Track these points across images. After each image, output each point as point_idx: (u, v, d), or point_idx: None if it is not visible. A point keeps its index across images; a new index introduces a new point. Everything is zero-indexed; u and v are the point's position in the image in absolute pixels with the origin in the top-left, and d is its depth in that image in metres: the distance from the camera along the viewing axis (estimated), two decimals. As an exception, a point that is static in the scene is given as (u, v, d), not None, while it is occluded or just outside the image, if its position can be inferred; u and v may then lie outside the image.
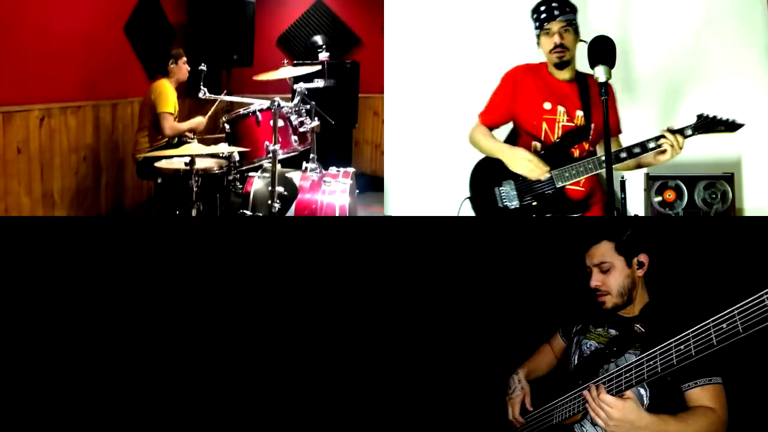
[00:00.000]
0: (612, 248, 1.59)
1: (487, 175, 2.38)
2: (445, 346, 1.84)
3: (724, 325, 1.11)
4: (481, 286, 1.88)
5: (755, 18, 2.97)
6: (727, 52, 3.01)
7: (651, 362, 1.28)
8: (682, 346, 1.20)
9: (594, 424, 1.46)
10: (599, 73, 1.98)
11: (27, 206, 3.50)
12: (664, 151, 2.13)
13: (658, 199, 2.99)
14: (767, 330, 1.05)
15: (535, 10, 2.30)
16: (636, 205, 3.26)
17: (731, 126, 2.18)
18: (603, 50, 2.02)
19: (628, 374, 1.34)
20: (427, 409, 1.80)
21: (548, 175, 2.25)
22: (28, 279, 1.73)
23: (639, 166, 2.36)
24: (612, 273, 1.58)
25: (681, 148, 2.13)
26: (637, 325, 1.54)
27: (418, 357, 1.80)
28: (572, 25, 2.26)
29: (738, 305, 1.10)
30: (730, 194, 2.95)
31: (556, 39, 2.22)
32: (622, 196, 2.06)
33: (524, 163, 2.24)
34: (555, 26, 2.23)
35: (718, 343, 1.12)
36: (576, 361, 1.63)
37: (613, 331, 1.60)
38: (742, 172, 3.02)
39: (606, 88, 1.98)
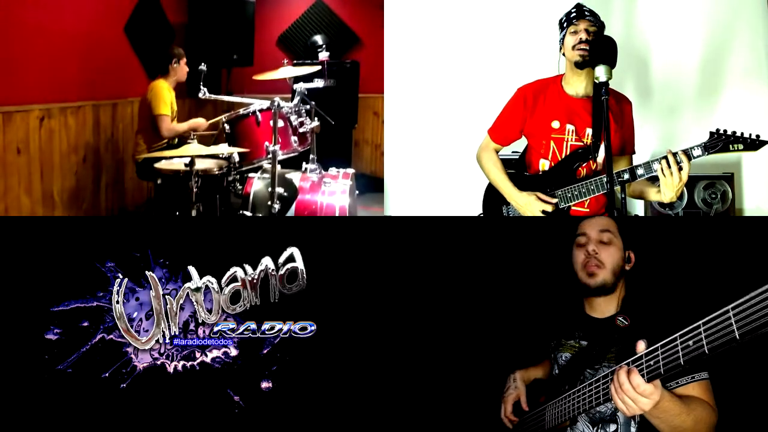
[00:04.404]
0: (615, 225, 1.55)
1: (497, 194, 2.38)
2: (445, 346, 1.84)
3: (690, 343, 1.05)
4: (481, 286, 1.88)
5: (758, 21, 2.97)
6: (732, 58, 3.01)
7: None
8: (652, 362, 1.13)
9: (594, 424, 1.46)
10: (599, 72, 1.98)
11: (27, 206, 3.50)
12: (667, 175, 2.01)
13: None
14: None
15: (565, 15, 2.27)
16: (636, 205, 3.27)
17: (752, 144, 1.99)
18: (604, 50, 2.01)
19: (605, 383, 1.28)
20: (425, 409, 1.80)
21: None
22: (28, 279, 1.73)
23: (641, 197, 2.31)
24: (611, 247, 1.54)
25: (687, 173, 2.00)
26: (620, 318, 1.51)
27: (418, 357, 1.80)
28: (599, 28, 2.23)
29: (704, 320, 1.02)
30: (730, 194, 2.95)
31: (582, 35, 2.18)
32: (622, 196, 2.06)
33: (536, 214, 2.24)
34: (582, 24, 2.20)
35: (685, 363, 1.06)
36: (557, 371, 1.62)
37: (583, 342, 1.57)
38: (742, 172, 3.02)
39: (606, 88, 1.98)
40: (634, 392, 1.13)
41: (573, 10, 2.26)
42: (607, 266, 1.53)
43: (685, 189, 2.97)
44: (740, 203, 3.01)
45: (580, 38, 2.19)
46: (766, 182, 3.05)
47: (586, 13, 2.24)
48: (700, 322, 1.04)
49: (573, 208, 2.26)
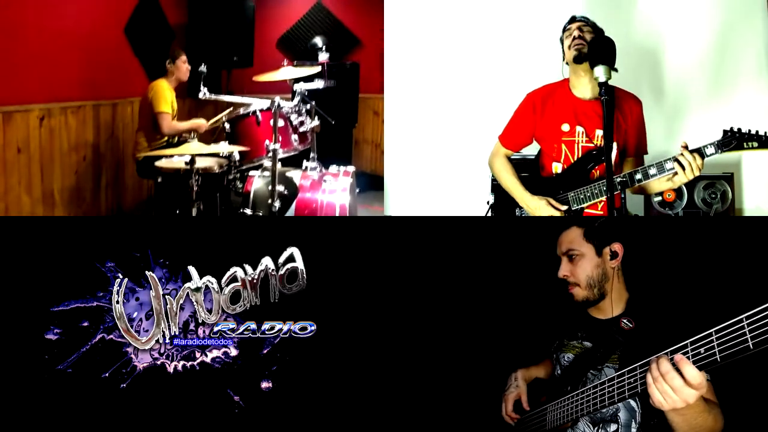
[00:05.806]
0: (581, 235, 1.54)
1: (508, 196, 2.39)
2: (446, 345, 1.84)
3: (702, 350, 1.03)
4: (483, 285, 1.88)
5: (759, 22, 2.97)
6: (739, 57, 3.01)
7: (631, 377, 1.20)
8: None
9: (594, 424, 1.46)
10: (598, 72, 1.97)
11: (27, 205, 3.50)
12: (676, 173, 2.04)
13: (658, 198, 2.99)
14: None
15: (562, 29, 2.35)
16: (636, 205, 3.27)
17: (766, 142, 1.96)
18: (602, 50, 2.02)
19: (620, 382, 1.25)
20: (426, 408, 1.80)
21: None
22: (28, 279, 1.73)
23: (646, 191, 2.31)
24: (580, 262, 1.54)
25: (700, 169, 2.02)
26: (625, 321, 1.51)
27: (418, 356, 1.80)
28: (591, 26, 2.29)
29: (716, 328, 1.01)
30: (730, 194, 2.95)
31: (576, 33, 2.25)
32: (622, 195, 2.06)
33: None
34: (574, 24, 2.29)
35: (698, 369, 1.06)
36: (559, 371, 1.62)
37: (587, 343, 1.57)
38: (742, 172, 3.02)
39: (606, 88, 1.98)
40: (681, 382, 1.06)
41: (567, 22, 2.34)
42: (582, 282, 1.54)
43: (685, 189, 2.97)
44: (740, 203, 3.01)
45: (574, 36, 2.25)
46: (766, 182, 3.05)
47: (576, 17, 2.32)
48: (712, 330, 1.02)
49: (587, 210, 2.26)
